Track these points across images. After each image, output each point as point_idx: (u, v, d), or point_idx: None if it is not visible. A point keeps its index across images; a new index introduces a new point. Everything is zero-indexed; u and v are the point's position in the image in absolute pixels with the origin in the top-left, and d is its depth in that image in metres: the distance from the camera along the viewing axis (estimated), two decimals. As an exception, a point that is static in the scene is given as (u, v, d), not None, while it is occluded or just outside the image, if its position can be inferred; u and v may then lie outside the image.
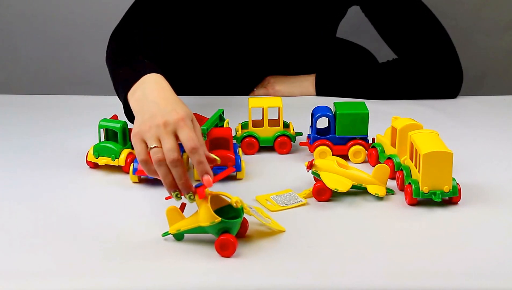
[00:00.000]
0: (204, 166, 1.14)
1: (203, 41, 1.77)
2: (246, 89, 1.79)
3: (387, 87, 1.71)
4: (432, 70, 1.70)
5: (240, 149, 1.37)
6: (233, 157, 1.31)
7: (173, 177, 1.13)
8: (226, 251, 1.08)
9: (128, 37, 1.53)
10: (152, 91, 1.25)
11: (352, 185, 1.25)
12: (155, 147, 1.14)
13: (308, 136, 1.42)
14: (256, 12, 1.71)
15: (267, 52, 1.76)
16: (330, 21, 1.77)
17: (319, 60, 1.82)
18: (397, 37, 1.71)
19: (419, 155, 1.21)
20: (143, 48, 1.50)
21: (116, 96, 1.38)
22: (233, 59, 1.78)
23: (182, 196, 1.14)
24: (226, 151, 1.31)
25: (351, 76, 1.72)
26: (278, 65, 1.80)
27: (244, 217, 1.12)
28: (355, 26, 1.97)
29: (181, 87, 1.85)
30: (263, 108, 1.42)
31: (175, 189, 1.14)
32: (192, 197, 1.12)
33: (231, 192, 1.28)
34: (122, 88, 1.34)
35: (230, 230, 1.09)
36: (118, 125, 1.34)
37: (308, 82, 1.73)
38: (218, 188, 1.29)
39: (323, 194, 1.25)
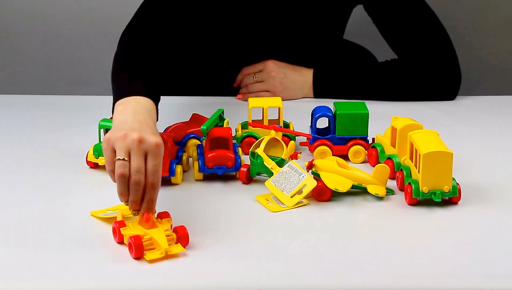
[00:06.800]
0: (152, 205, 1.12)
1: (205, 40, 1.77)
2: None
3: (385, 88, 1.71)
4: (430, 72, 1.70)
5: (240, 149, 1.37)
6: (233, 157, 1.31)
7: (128, 193, 1.12)
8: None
9: (139, 36, 1.51)
10: (141, 114, 1.21)
11: (352, 185, 1.25)
12: (123, 159, 1.11)
13: (308, 136, 1.42)
14: (259, 12, 1.71)
15: (269, 52, 1.75)
16: (333, 21, 1.77)
17: (320, 62, 1.81)
18: (398, 36, 1.71)
19: (419, 155, 1.21)
20: (156, 46, 1.48)
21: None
22: (235, 58, 1.77)
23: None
24: (226, 151, 1.31)
25: (349, 77, 1.71)
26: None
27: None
28: (355, 27, 1.97)
29: (181, 87, 1.86)
30: (263, 108, 1.42)
31: (127, 202, 1.13)
32: (136, 214, 1.13)
33: (231, 191, 1.29)
34: (116, 92, 1.31)
35: None
36: (118, 125, 1.33)
37: (307, 86, 1.73)
38: (218, 188, 1.30)
39: (323, 194, 1.25)
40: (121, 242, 1.12)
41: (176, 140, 1.39)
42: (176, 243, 1.10)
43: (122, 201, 1.13)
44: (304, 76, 1.73)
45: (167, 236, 1.10)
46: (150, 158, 1.12)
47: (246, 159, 1.36)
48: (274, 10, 1.71)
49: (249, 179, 1.31)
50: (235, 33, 1.73)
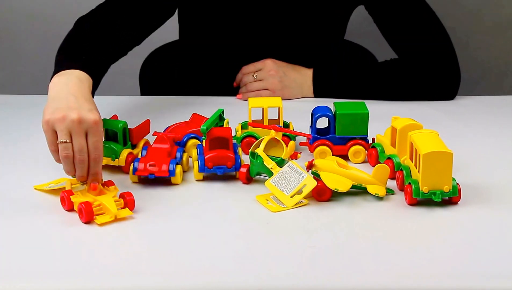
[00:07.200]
0: (97, 176, 1.22)
1: (205, 40, 1.77)
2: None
3: (385, 87, 1.71)
4: (430, 71, 1.70)
5: (240, 149, 1.37)
6: (233, 157, 1.31)
7: (74, 169, 1.20)
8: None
9: (95, 24, 1.52)
10: (73, 84, 1.28)
11: (352, 185, 1.25)
12: (65, 142, 1.19)
13: (308, 136, 1.42)
14: (259, 12, 1.71)
15: (269, 52, 1.75)
16: (334, 22, 1.77)
17: (320, 62, 1.81)
18: (398, 36, 1.71)
19: (419, 155, 1.21)
20: (108, 39, 1.50)
21: (116, 97, 1.39)
22: (235, 58, 1.77)
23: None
24: (226, 151, 1.31)
25: (349, 77, 1.71)
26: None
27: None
28: (355, 27, 1.97)
29: (181, 87, 1.86)
30: (263, 108, 1.42)
31: (74, 176, 1.22)
32: (84, 184, 1.22)
33: (231, 191, 1.29)
34: (54, 69, 1.35)
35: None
36: (118, 125, 1.34)
37: (306, 85, 1.73)
38: (218, 188, 1.30)
39: (323, 194, 1.25)
40: (70, 209, 1.20)
41: (176, 140, 1.40)
42: (124, 207, 1.19)
43: (69, 176, 1.22)
44: (304, 76, 1.73)
45: (115, 201, 1.19)
46: (90, 136, 1.20)
47: (246, 159, 1.36)
48: (275, 10, 1.71)
49: (249, 179, 1.31)
50: (235, 33, 1.73)
